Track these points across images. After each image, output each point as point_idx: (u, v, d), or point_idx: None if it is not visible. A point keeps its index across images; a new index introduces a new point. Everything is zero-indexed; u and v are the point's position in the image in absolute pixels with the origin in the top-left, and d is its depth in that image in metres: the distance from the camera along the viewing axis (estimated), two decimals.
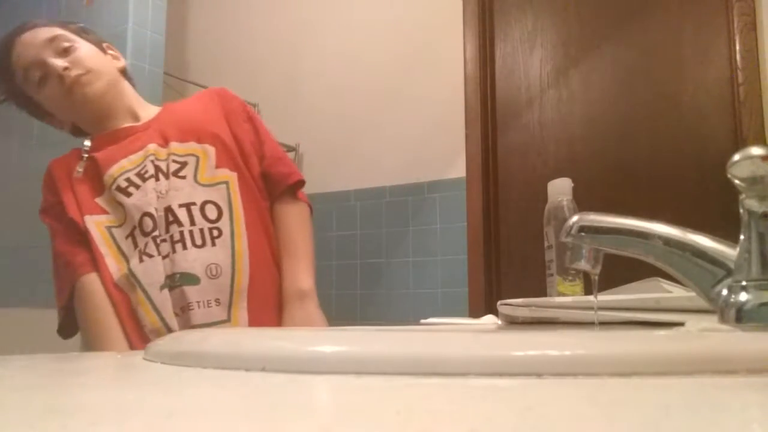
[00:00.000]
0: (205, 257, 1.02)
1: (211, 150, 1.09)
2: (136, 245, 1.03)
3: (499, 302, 0.70)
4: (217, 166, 1.08)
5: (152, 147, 1.07)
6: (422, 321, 0.95)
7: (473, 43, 2.25)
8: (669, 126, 1.96)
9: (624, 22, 2.07)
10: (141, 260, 1.01)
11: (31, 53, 1.08)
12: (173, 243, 1.02)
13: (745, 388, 0.25)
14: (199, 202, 1.05)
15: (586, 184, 1.78)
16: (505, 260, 2.16)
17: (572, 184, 0.89)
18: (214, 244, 1.03)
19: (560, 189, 0.89)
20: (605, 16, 2.10)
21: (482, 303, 2.07)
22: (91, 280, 1.04)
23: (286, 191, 1.13)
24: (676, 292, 0.61)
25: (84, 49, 1.10)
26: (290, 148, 2.57)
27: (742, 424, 0.19)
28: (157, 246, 1.01)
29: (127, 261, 1.02)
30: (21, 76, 1.09)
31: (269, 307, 1.06)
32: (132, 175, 1.05)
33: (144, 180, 1.05)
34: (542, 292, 0.88)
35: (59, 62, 1.06)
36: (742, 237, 0.42)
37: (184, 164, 1.07)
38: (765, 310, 0.40)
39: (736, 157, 0.40)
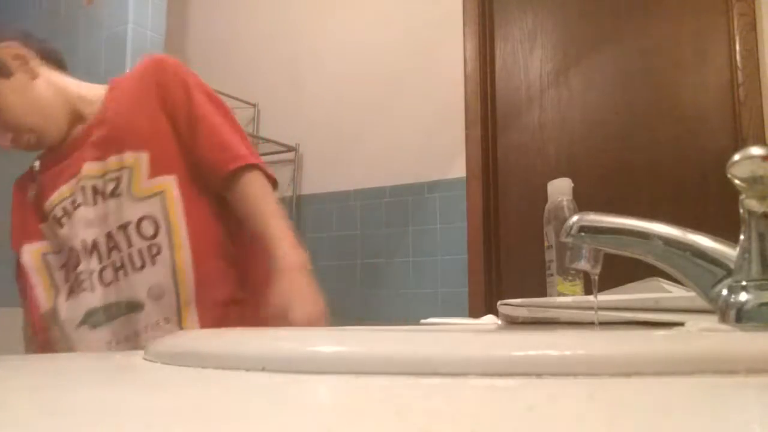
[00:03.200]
0: (146, 280, 0.97)
1: (144, 158, 1.00)
2: (66, 279, 1.01)
3: (499, 302, 0.70)
4: (152, 175, 1.00)
5: (85, 168, 1.00)
6: (422, 321, 0.95)
7: (473, 43, 2.25)
8: (669, 126, 1.96)
9: (624, 22, 2.07)
10: (67, 298, 1.00)
11: None
12: (115, 270, 0.98)
13: (745, 388, 0.25)
14: (134, 220, 0.99)
15: (586, 184, 1.78)
16: (505, 260, 2.16)
17: (572, 184, 0.89)
18: (153, 263, 0.98)
19: (560, 189, 0.89)
20: (605, 17, 2.10)
21: (482, 303, 2.07)
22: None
23: (229, 177, 1.01)
24: (676, 292, 0.61)
25: (8, 98, 0.98)
26: (290, 148, 2.57)
27: (742, 424, 0.19)
28: (81, 282, 0.98)
29: (56, 294, 1.01)
30: None
31: (222, 305, 1.01)
32: (67, 204, 1.01)
33: (75, 208, 1.00)
34: (542, 292, 0.88)
35: (3, 143, 1.01)
36: (742, 237, 0.42)
37: (119, 180, 1.00)
38: (765, 310, 0.39)
39: (736, 157, 0.40)
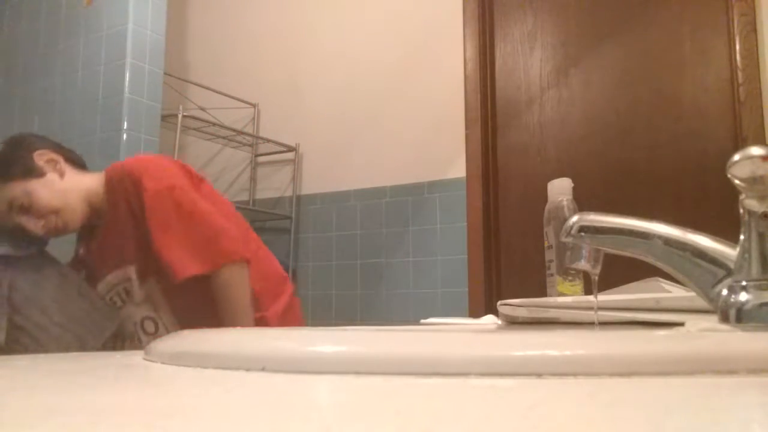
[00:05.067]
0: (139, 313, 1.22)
1: (131, 270, 1.22)
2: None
3: (499, 302, 0.70)
4: (142, 283, 1.22)
5: (111, 277, 1.24)
6: (422, 321, 0.95)
7: (473, 43, 2.25)
8: (669, 126, 1.96)
9: (624, 22, 2.07)
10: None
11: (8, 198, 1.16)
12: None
13: (745, 388, 0.25)
14: (138, 320, 1.23)
15: (586, 184, 1.78)
16: (505, 260, 2.16)
17: (572, 184, 0.89)
18: (146, 300, 1.22)
19: (560, 189, 0.88)
20: (605, 16, 2.10)
21: (482, 303, 2.07)
22: None
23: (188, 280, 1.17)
24: (676, 292, 0.61)
25: (40, 192, 1.17)
26: (290, 148, 2.57)
27: (742, 424, 0.19)
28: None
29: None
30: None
31: None
32: (114, 296, 1.26)
33: (123, 305, 1.26)
34: (542, 292, 0.88)
35: (34, 227, 1.16)
36: (742, 237, 0.42)
37: (127, 292, 1.24)
38: (765, 310, 0.39)
39: (736, 157, 0.40)
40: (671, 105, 1.97)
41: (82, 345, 1.17)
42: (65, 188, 1.20)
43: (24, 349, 1.12)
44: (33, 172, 1.17)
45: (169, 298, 1.23)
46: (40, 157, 1.20)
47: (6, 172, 1.16)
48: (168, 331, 1.19)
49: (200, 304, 1.18)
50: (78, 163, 1.29)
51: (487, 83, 2.25)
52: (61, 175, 1.22)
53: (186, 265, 1.15)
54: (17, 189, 1.15)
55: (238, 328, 1.06)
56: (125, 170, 1.22)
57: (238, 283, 1.16)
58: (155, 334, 1.21)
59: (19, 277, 1.16)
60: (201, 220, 1.17)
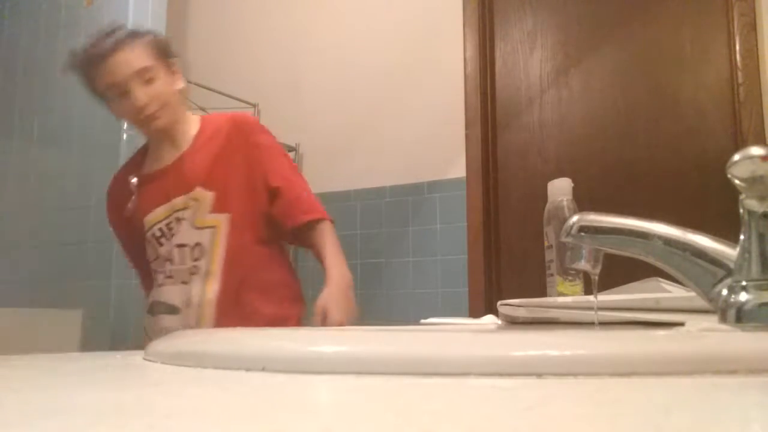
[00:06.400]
0: (183, 293, 1.23)
1: (209, 196, 1.25)
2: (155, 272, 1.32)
3: (499, 302, 0.70)
4: (212, 211, 1.25)
5: (178, 203, 1.26)
6: (422, 321, 0.95)
7: (473, 43, 2.25)
8: (669, 126, 1.96)
9: (624, 22, 2.07)
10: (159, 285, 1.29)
11: (119, 77, 1.20)
12: (165, 278, 1.27)
13: (745, 388, 0.25)
14: (191, 244, 1.25)
15: (586, 184, 1.78)
16: (505, 260, 2.16)
17: (572, 184, 0.89)
18: (188, 282, 1.24)
19: (560, 189, 0.89)
20: (605, 16, 2.10)
21: (482, 303, 2.07)
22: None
23: (303, 226, 1.28)
24: (676, 292, 0.61)
25: (162, 81, 1.24)
26: (290, 148, 2.57)
27: (742, 424, 0.19)
28: (154, 281, 1.30)
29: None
30: (101, 84, 1.22)
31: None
32: (163, 227, 1.28)
33: (171, 234, 1.27)
34: (542, 292, 0.88)
35: (141, 97, 1.20)
36: (742, 237, 0.42)
37: (186, 208, 1.26)
38: (765, 310, 0.39)
39: (736, 157, 0.40)
40: (671, 105, 1.97)
41: None
42: (179, 99, 1.28)
43: None
44: (172, 66, 1.27)
45: (231, 238, 1.25)
46: (175, 62, 1.30)
47: (164, 50, 1.25)
48: (207, 267, 1.23)
49: (253, 256, 1.27)
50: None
51: (487, 83, 2.25)
52: (180, 88, 1.30)
53: (315, 207, 1.29)
54: (156, 63, 1.22)
55: (335, 257, 1.23)
56: (236, 120, 1.32)
57: (331, 229, 1.30)
58: (196, 261, 1.24)
59: None
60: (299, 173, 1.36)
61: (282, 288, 1.32)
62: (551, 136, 2.14)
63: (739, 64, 1.86)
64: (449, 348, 0.30)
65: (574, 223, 0.49)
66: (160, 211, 1.27)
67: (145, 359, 0.40)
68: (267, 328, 0.97)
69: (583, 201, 0.87)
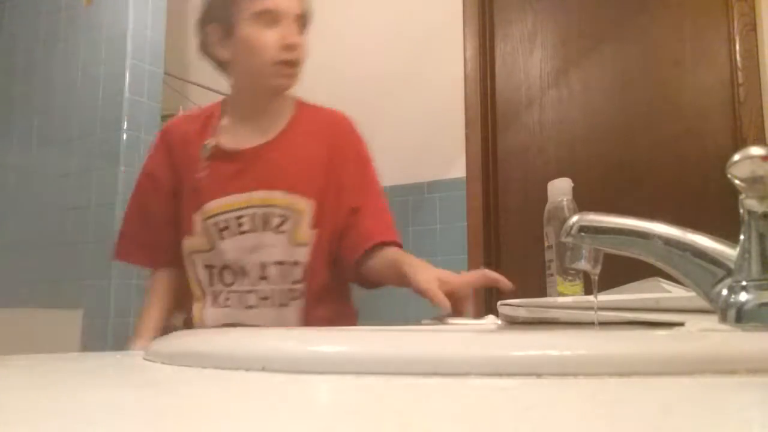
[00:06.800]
0: (283, 317, 1.06)
1: (310, 207, 1.07)
2: (210, 282, 1.07)
3: (499, 302, 0.70)
4: (312, 226, 1.07)
5: (259, 196, 1.06)
6: (423, 321, 0.95)
7: (473, 43, 2.25)
8: (669, 126, 1.96)
9: (624, 23, 2.07)
10: (212, 304, 1.07)
11: (283, 6, 1.05)
12: (260, 299, 1.05)
13: (745, 388, 0.25)
14: (290, 262, 1.06)
15: (586, 184, 1.78)
16: (505, 260, 2.16)
17: (572, 184, 0.89)
18: (288, 306, 1.06)
19: (560, 189, 0.88)
20: (605, 16, 2.10)
21: (482, 303, 2.07)
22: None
23: (377, 246, 1.11)
24: (675, 292, 0.61)
25: (305, 41, 1.10)
26: None
27: (742, 424, 0.19)
28: (227, 297, 1.06)
29: (202, 293, 1.08)
30: (253, 4, 1.04)
31: None
32: (232, 219, 1.06)
33: (240, 231, 1.06)
34: (542, 292, 0.88)
35: (297, 37, 1.06)
36: (742, 237, 0.42)
37: (285, 219, 1.07)
38: (765, 310, 0.39)
39: (736, 157, 0.40)
40: (671, 105, 1.97)
41: None
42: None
43: None
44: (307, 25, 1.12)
45: (317, 257, 1.08)
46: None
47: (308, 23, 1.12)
48: (307, 289, 1.06)
49: (329, 273, 1.12)
50: None
51: (487, 83, 2.25)
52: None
53: (391, 229, 1.16)
54: (305, 14, 1.10)
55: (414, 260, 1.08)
56: (340, 121, 1.20)
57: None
58: (296, 284, 1.05)
59: None
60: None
61: (341, 319, 1.16)
62: (551, 137, 2.14)
63: (739, 64, 1.86)
64: (449, 348, 0.30)
65: (574, 223, 0.49)
66: (231, 201, 1.06)
67: (145, 359, 0.40)
68: (268, 328, 0.96)
69: (583, 201, 0.87)
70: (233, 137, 1.11)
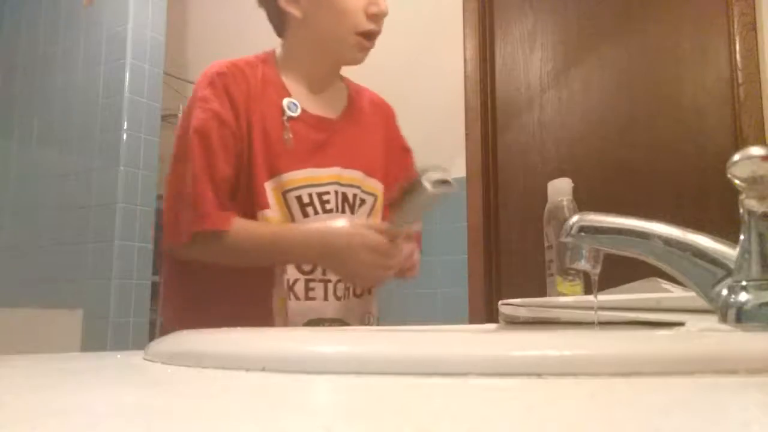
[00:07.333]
0: (364, 306, 0.98)
1: (381, 192, 1.00)
2: (284, 269, 0.92)
3: (500, 302, 0.70)
4: (382, 213, 1.01)
5: (346, 175, 0.96)
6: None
7: (473, 43, 2.25)
8: (669, 126, 1.96)
9: (624, 22, 2.07)
10: (295, 298, 0.92)
11: None
12: (346, 289, 0.95)
13: (745, 388, 0.25)
14: None
15: (586, 184, 1.78)
16: (505, 260, 2.16)
17: (572, 184, 0.89)
18: (370, 293, 0.99)
19: (560, 189, 0.88)
20: (605, 16, 2.10)
21: (482, 303, 2.07)
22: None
23: None
24: (675, 292, 0.61)
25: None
26: None
27: (742, 424, 0.19)
28: (313, 288, 0.92)
29: (277, 280, 0.92)
30: None
31: None
32: (315, 194, 0.92)
33: (324, 209, 0.93)
34: (542, 292, 0.88)
35: (383, 8, 0.94)
36: (742, 237, 0.42)
37: (363, 203, 0.98)
38: (765, 310, 0.39)
39: (736, 157, 0.40)
40: (671, 105, 1.97)
41: None
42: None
43: None
44: None
45: None
46: None
47: None
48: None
49: None
50: None
51: (487, 83, 2.25)
52: None
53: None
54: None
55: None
56: (383, 101, 1.11)
57: None
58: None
59: None
60: None
61: None
62: (551, 136, 2.14)
63: (739, 64, 1.86)
64: (449, 348, 0.30)
65: (574, 223, 0.49)
66: (317, 174, 0.93)
67: (145, 359, 0.40)
68: (270, 328, 0.95)
69: (583, 201, 0.87)
70: (307, 100, 0.97)
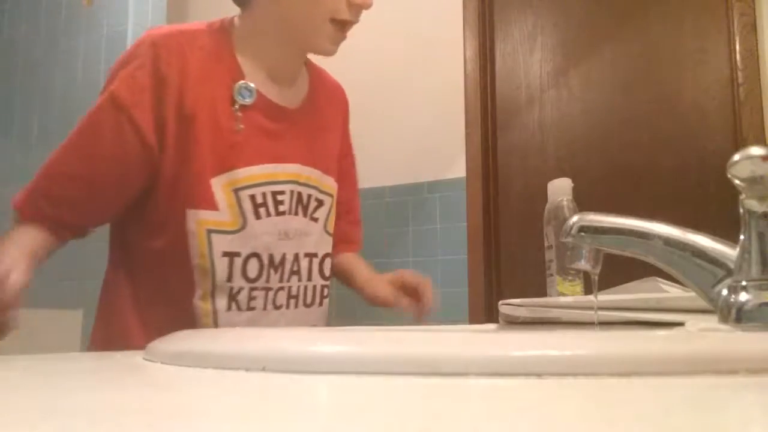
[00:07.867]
0: (309, 318, 0.90)
1: (336, 191, 0.94)
2: (229, 276, 0.81)
3: (500, 302, 0.70)
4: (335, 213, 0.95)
5: (303, 172, 0.87)
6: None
7: (473, 43, 2.25)
8: (669, 126, 1.96)
9: (624, 22, 2.07)
10: (229, 307, 0.82)
11: None
12: (288, 297, 0.87)
13: (745, 388, 0.25)
14: (321, 255, 0.91)
15: (586, 184, 1.78)
16: (505, 260, 2.16)
17: (572, 184, 0.89)
18: (321, 305, 0.92)
19: (560, 189, 0.88)
20: (605, 16, 2.10)
21: (482, 303, 2.07)
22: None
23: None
24: (674, 292, 0.61)
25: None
26: None
27: (742, 424, 0.19)
28: (253, 297, 0.83)
29: (213, 284, 0.80)
30: None
31: None
32: (268, 192, 0.83)
33: (277, 211, 0.83)
34: (542, 292, 0.88)
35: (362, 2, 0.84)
36: (742, 237, 0.42)
37: (321, 204, 0.89)
38: (765, 310, 0.39)
39: (736, 157, 0.40)
40: (671, 105, 1.97)
41: None
42: None
43: None
44: None
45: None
46: None
47: None
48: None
49: None
50: None
51: (487, 83, 2.25)
52: None
53: (360, 238, 1.12)
54: None
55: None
56: (340, 86, 1.03)
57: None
58: (327, 280, 0.93)
59: None
60: None
61: None
62: (551, 136, 2.14)
63: (739, 64, 1.86)
64: (449, 348, 0.30)
65: (574, 223, 0.49)
66: (272, 170, 0.83)
67: (145, 359, 0.40)
68: (271, 328, 0.95)
69: (583, 201, 0.87)
70: (263, 86, 0.85)
